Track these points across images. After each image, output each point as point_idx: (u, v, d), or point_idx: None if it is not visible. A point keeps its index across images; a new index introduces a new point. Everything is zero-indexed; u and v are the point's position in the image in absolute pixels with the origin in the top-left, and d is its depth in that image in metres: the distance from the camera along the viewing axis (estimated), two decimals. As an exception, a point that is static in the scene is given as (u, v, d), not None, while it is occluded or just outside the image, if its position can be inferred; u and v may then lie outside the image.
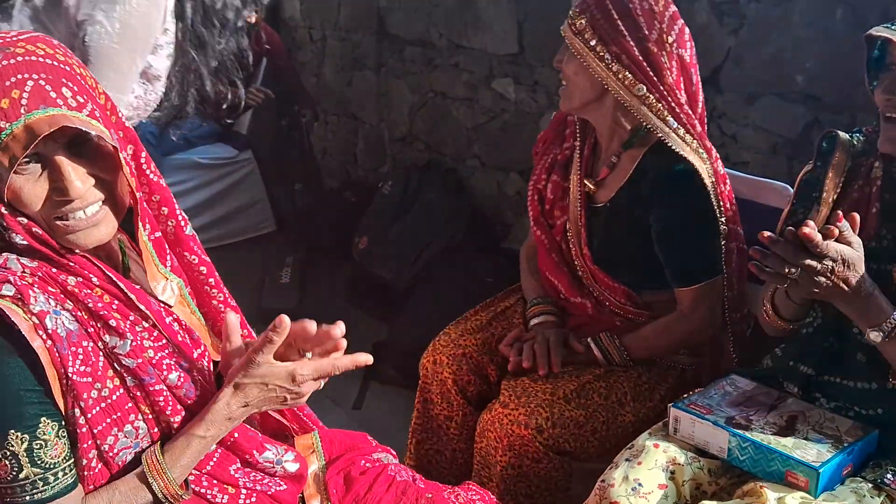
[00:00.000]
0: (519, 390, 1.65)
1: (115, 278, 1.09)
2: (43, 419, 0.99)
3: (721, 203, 1.65)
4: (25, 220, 1.02)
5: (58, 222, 1.02)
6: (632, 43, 1.60)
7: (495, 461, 1.64)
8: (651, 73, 1.61)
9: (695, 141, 1.64)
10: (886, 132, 1.27)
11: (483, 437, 1.68)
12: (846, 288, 1.20)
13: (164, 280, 1.18)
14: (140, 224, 1.12)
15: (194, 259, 1.25)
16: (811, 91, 2.19)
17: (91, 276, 1.07)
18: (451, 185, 3.54)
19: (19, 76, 0.96)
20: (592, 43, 1.60)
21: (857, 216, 1.23)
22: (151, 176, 1.17)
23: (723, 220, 1.65)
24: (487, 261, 3.16)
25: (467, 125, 3.49)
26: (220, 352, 1.33)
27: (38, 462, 0.99)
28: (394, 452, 1.42)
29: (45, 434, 0.99)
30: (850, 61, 2.09)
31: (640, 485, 1.27)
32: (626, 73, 1.60)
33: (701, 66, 1.73)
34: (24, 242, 1.01)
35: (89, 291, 1.05)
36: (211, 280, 1.28)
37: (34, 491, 0.99)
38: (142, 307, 1.10)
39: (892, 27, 1.23)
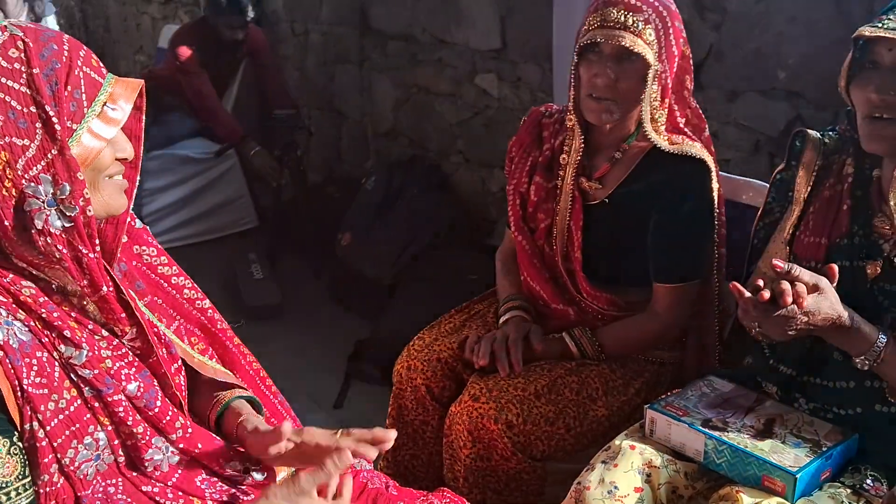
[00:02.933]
0: (490, 383, 1.63)
1: (120, 285, 1.07)
2: None
3: (720, 208, 1.67)
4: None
5: (108, 181, 1.05)
6: (675, 52, 1.59)
7: (462, 454, 1.62)
8: (681, 85, 1.64)
9: (698, 143, 1.65)
10: (874, 130, 1.25)
11: (451, 431, 1.65)
12: (822, 326, 1.21)
13: None
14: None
15: (152, 251, 1.24)
16: (793, 88, 2.17)
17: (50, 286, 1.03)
18: (435, 181, 3.51)
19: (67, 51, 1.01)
20: (658, 54, 1.55)
21: (835, 268, 1.22)
22: None
23: (716, 224, 1.67)
24: (471, 257, 3.14)
25: (451, 121, 3.46)
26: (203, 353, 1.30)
27: None
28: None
29: None
30: (833, 57, 2.06)
31: (615, 488, 1.25)
32: (667, 83, 1.59)
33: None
34: None
35: (46, 300, 1.02)
36: (174, 269, 1.27)
37: None
38: (138, 315, 1.08)
39: (880, 25, 1.20)
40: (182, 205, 3.82)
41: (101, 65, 1.06)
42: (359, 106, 4.03)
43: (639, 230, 1.66)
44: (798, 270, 1.19)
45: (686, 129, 1.66)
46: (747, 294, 1.20)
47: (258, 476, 1.17)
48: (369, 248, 3.27)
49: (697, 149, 1.63)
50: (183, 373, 1.20)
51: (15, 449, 0.97)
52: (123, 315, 1.08)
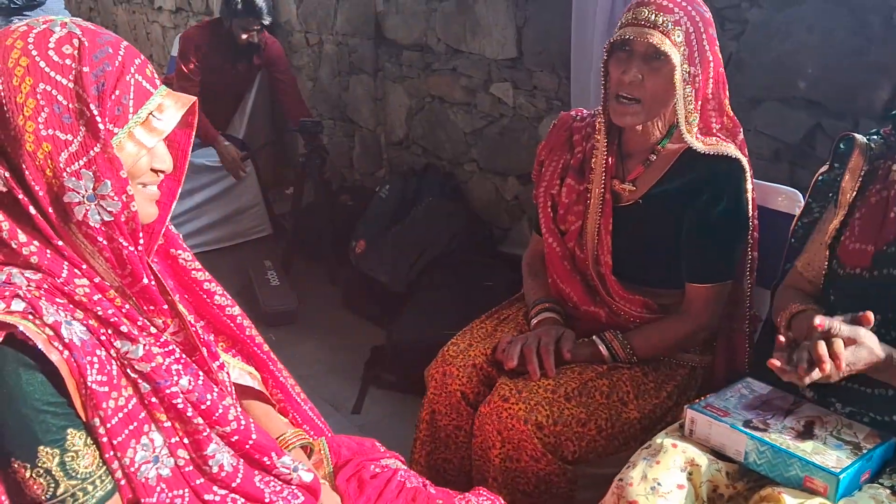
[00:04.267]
0: (521, 384, 1.63)
1: (160, 276, 1.09)
2: (69, 430, 0.97)
3: (754, 210, 1.68)
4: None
5: (140, 189, 1.07)
6: (710, 58, 1.61)
7: (492, 455, 1.63)
8: (719, 93, 1.65)
9: (732, 144, 1.67)
10: None
11: (481, 431, 1.66)
12: (862, 370, 1.22)
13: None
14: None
15: (187, 256, 1.25)
16: (813, 96, 2.19)
17: (105, 282, 1.05)
18: (449, 189, 3.53)
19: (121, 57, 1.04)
20: (686, 55, 1.56)
21: (870, 316, 1.23)
22: None
23: (750, 226, 1.68)
24: (485, 265, 3.16)
25: (465, 130, 3.48)
26: (232, 355, 1.32)
27: (73, 474, 0.97)
28: (402, 458, 1.40)
29: (74, 445, 0.97)
30: (853, 67, 2.11)
31: (658, 484, 1.25)
32: (704, 86, 1.60)
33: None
34: (35, 258, 0.99)
35: (100, 297, 1.03)
36: (207, 275, 1.28)
37: (76, 503, 0.97)
38: (183, 312, 1.10)
39: None
40: (197, 213, 3.84)
41: (157, 76, 1.08)
42: (373, 115, 4.05)
43: (671, 231, 1.67)
44: (837, 328, 1.20)
45: (719, 134, 1.68)
46: (787, 369, 1.21)
47: (306, 477, 1.18)
48: (384, 256, 3.29)
49: (732, 149, 1.64)
50: (226, 370, 1.22)
51: (90, 440, 0.99)
52: (165, 306, 1.09)
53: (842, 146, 1.45)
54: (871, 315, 1.22)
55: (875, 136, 1.44)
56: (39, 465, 0.95)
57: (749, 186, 1.65)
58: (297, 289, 3.47)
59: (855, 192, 1.41)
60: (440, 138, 3.64)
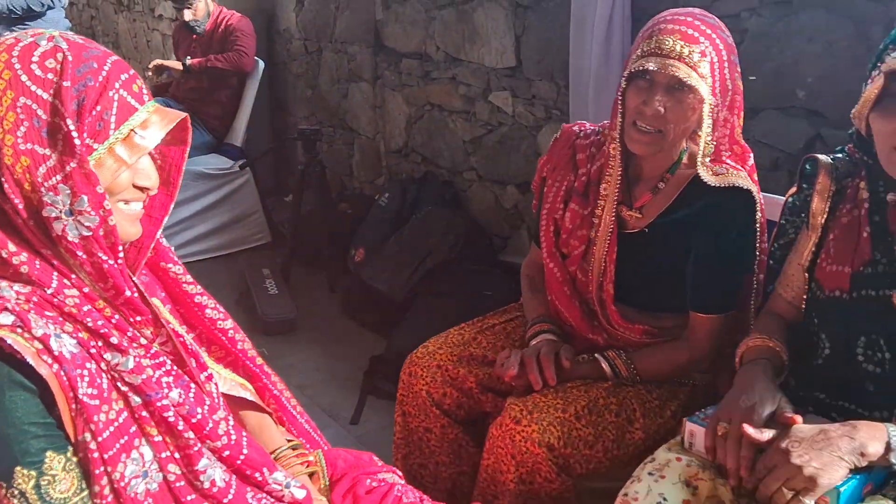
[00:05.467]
0: (530, 405, 1.61)
1: (142, 289, 1.07)
2: (48, 453, 0.96)
3: (762, 235, 1.64)
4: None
5: (122, 206, 1.06)
6: (730, 87, 1.55)
7: (506, 479, 1.60)
8: (732, 121, 1.61)
9: (743, 171, 1.63)
10: None
11: (492, 454, 1.63)
12: (837, 439, 1.19)
13: None
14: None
15: (178, 269, 1.24)
16: (813, 106, 2.18)
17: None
18: (449, 197, 3.53)
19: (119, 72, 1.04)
20: (710, 86, 1.50)
21: (796, 418, 1.23)
22: None
23: (758, 253, 1.64)
24: (485, 274, 3.15)
25: (464, 138, 3.48)
26: (224, 365, 1.31)
27: (47, 499, 0.95)
28: (399, 473, 1.39)
29: (51, 469, 0.95)
30: (853, 76, 2.09)
31: (664, 499, 1.24)
32: (718, 118, 1.55)
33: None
34: (25, 267, 0.98)
35: (90, 308, 1.02)
36: (198, 287, 1.27)
37: None
38: (175, 325, 1.10)
39: None
40: (196, 220, 3.84)
41: (146, 92, 1.06)
42: (371, 123, 4.05)
43: (677, 259, 1.64)
44: (767, 435, 1.21)
45: (729, 161, 1.62)
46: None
47: (298, 494, 1.16)
48: (383, 264, 3.28)
49: (743, 178, 1.59)
50: (214, 381, 1.21)
51: (70, 465, 0.97)
52: (150, 316, 1.09)
53: (808, 167, 1.44)
54: (797, 418, 1.23)
55: (840, 156, 1.42)
56: (14, 485, 0.94)
57: (758, 217, 1.61)
58: (296, 297, 3.47)
59: (826, 214, 1.39)
60: (439, 146, 3.64)
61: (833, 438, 1.18)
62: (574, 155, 1.76)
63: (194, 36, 4.12)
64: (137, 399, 1.03)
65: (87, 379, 0.98)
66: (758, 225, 1.62)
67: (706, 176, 1.58)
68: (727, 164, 1.62)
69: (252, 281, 3.52)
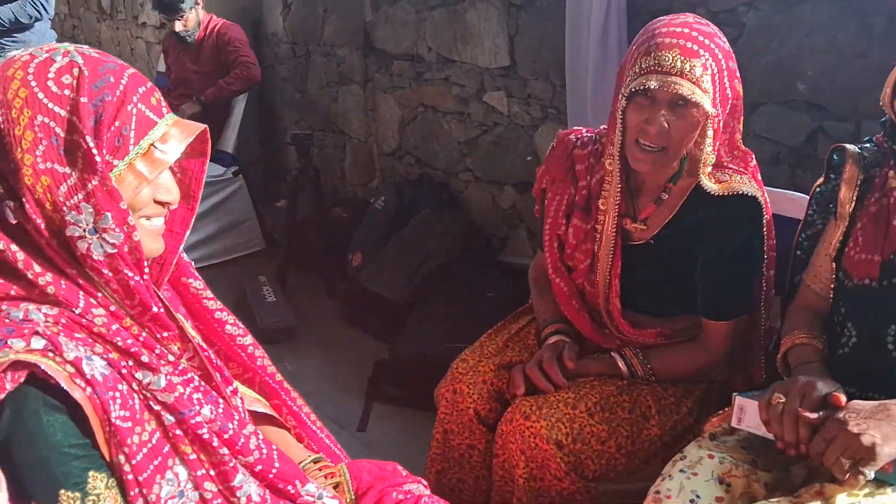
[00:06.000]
0: (540, 400, 1.61)
1: (167, 304, 1.06)
2: (91, 473, 0.95)
3: (770, 233, 1.63)
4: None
5: (144, 222, 1.04)
6: (730, 95, 1.52)
7: (517, 475, 1.60)
8: (733, 128, 1.59)
9: (746, 175, 1.61)
10: None
11: (504, 450, 1.63)
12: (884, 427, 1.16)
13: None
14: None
15: (199, 284, 1.23)
16: (814, 99, 2.18)
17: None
18: (445, 199, 3.51)
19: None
20: (713, 101, 1.46)
21: (840, 397, 1.22)
22: None
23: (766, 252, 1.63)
24: (486, 275, 3.14)
25: (459, 139, 3.46)
26: (242, 381, 1.30)
27: None
28: (425, 483, 1.37)
29: (95, 489, 0.95)
30: (855, 69, 2.10)
31: (697, 496, 1.23)
32: (719, 127, 1.52)
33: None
34: (51, 287, 0.96)
35: (118, 326, 1.00)
36: (218, 303, 1.26)
37: None
38: (196, 339, 1.08)
39: None
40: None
41: (164, 104, 1.04)
42: (363, 126, 4.03)
43: (685, 268, 1.62)
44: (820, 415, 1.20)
45: (731, 165, 1.61)
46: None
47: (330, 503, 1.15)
48: (382, 268, 3.26)
49: (746, 182, 1.57)
50: (240, 395, 1.19)
51: (111, 482, 0.97)
52: (176, 331, 1.07)
53: (835, 157, 1.43)
54: (840, 397, 1.22)
55: (868, 145, 1.42)
56: None
57: (765, 219, 1.59)
58: (294, 304, 3.44)
59: (854, 203, 1.39)
60: (434, 148, 3.62)
61: (893, 411, 1.16)
62: (573, 166, 1.72)
63: (184, 45, 4.08)
64: (171, 418, 1.02)
65: (119, 401, 0.96)
66: (765, 227, 1.61)
67: (709, 185, 1.56)
68: (730, 169, 1.60)
69: (249, 289, 3.48)
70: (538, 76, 3.01)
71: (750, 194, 1.56)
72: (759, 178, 1.65)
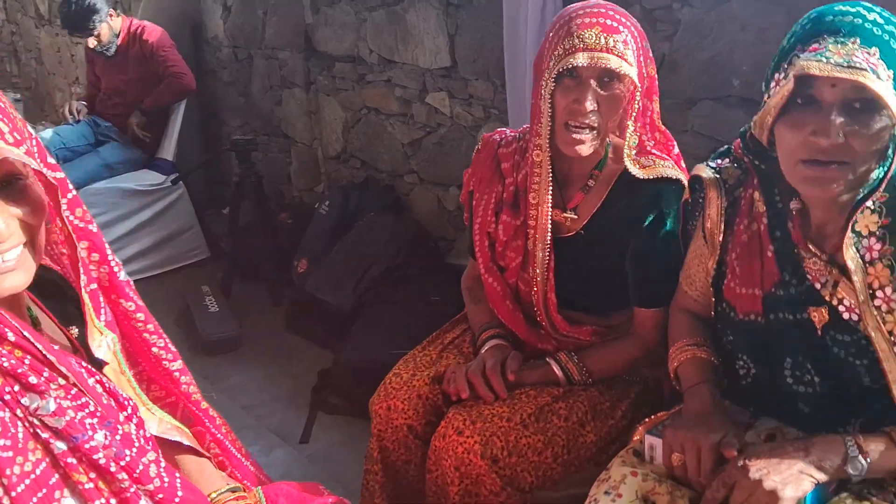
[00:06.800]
0: (474, 414, 1.56)
1: (31, 337, 0.98)
2: None
3: None
4: None
5: None
6: (646, 75, 1.52)
7: (451, 492, 1.55)
8: (650, 108, 1.57)
9: (669, 160, 1.60)
10: (812, 175, 1.11)
11: (437, 467, 1.58)
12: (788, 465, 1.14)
13: (100, 336, 1.09)
14: (79, 274, 1.04)
15: (130, 306, 1.16)
16: (749, 94, 2.17)
17: (6, 330, 0.95)
18: (391, 202, 3.46)
19: None
20: (635, 77, 1.46)
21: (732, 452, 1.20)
22: (77, 222, 1.08)
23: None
24: (432, 278, 3.09)
25: (403, 141, 3.41)
26: (163, 405, 1.23)
27: None
28: (347, 501, 1.32)
29: None
30: (786, 64, 2.10)
31: None
32: (644, 104, 1.52)
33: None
34: None
35: (0, 350, 0.94)
36: (150, 326, 1.19)
37: None
38: (62, 368, 0.99)
39: (825, 59, 1.04)
40: (129, 239, 3.70)
41: None
42: (308, 130, 3.95)
43: (616, 257, 1.61)
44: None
45: (655, 151, 1.61)
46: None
47: None
48: (327, 274, 3.20)
49: (670, 167, 1.58)
50: (136, 419, 1.12)
51: None
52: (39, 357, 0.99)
53: (696, 186, 1.39)
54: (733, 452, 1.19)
55: (726, 161, 1.36)
56: None
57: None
58: (238, 314, 3.36)
59: (723, 231, 1.33)
60: (378, 151, 3.56)
61: (789, 453, 1.15)
62: (498, 165, 1.71)
63: (106, 57, 3.95)
64: (61, 445, 0.95)
65: None
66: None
67: (634, 169, 1.56)
68: (653, 154, 1.60)
69: (191, 299, 3.39)
70: (479, 76, 2.97)
71: (675, 177, 1.56)
72: (683, 165, 1.64)
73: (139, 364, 1.21)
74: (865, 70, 1.01)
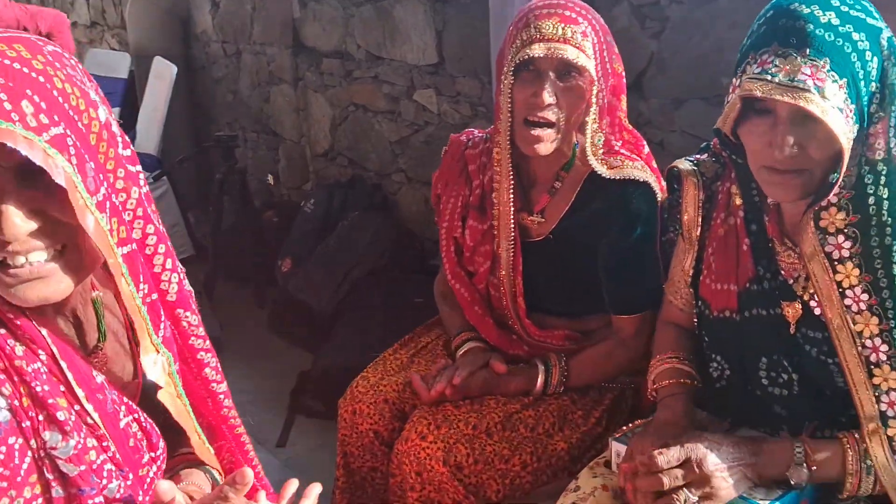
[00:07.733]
0: (439, 418, 1.51)
1: (65, 364, 0.87)
2: None
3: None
4: None
5: None
6: (610, 70, 1.48)
7: (412, 498, 1.50)
8: (616, 107, 1.52)
9: (639, 161, 1.54)
10: (774, 181, 1.11)
11: (399, 471, 1.53)
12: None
13: (156, 353, 0.95)
14: (127, 283, 0.89)
15: (194, 319, 1.03)
16: (738, 94, 2.11)
17: (39, 349, 0.86)
18: (377, 201, 3.40)
19: None
20: (595, 69, 1.42)
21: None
22: (146, 225, 0.94)
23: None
24: (416, 280, 3.03)
25: (391, 139, 3.36)
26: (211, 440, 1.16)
27: None
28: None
29: None
30: (776, 62, 2.04)
31: None
32: (604, 104, 1.47)
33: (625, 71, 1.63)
34: None
35: (37, 367, 0.85)
36: (207, 343, 1.06)
37: None
38: (89, 407, 0.89)
39: (769, 76, 1.03)
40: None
41: None
42: (295, 127, 3.90)
43: (587, 262, 1.55)
44: (661, 460, 1.13)
45: (623, 151, 1.54)
46: None
47: None
48: (310, 275, 3.14)
49: (639, 168, 1.51)
50: (160, 462, 1.03)
51: None
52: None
53: (674, 184, 1.36)
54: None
55: (704, 156, 1.33)
56: None
57: (658, 197, 1.52)
58: (221, 314, 3.29)
59: (700, 225, 1.30)
60: (366, 148, 3.51)
61: (741, 450, 1.15)
62: (465, 167, 1.65)
63: None
64: (60, 491, 0.86)
65: (1, 457, 0.82)
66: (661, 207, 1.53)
67: (601, 169, 1.50)
68: (622, 154, 1.54)
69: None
70: (466, 73, 2.91)
71: (642, 180, 1.50)
72: (655, 165, 1.58)
73: (190, 387, 1.09)
74: (808, 91, 0.99)
